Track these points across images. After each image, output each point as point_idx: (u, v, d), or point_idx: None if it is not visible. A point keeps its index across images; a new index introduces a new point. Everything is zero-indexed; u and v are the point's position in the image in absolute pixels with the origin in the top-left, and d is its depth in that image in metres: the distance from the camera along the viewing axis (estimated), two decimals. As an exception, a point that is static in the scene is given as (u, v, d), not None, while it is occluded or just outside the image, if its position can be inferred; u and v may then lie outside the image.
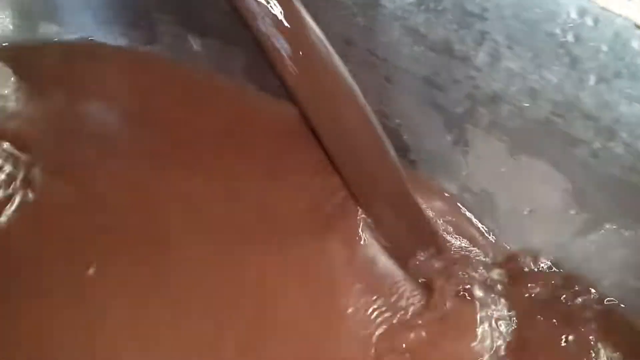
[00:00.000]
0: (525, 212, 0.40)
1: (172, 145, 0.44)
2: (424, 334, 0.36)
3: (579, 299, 0.38)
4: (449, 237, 0.41)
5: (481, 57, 0.37)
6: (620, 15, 0.31)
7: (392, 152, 0.39)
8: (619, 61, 0.32)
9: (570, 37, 0.33)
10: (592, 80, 0.34)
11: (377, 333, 0.36)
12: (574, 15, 0.33)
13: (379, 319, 0.37)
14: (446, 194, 0.43)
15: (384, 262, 0.40)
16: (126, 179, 0.43)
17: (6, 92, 0.46)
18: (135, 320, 0.37)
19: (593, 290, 0.38)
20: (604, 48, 0.33)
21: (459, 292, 0.37)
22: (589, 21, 0.32)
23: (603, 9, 0.31)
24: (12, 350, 0.35)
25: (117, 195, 0.41)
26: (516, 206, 0.40)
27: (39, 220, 0.40)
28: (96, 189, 0.42)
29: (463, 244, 0.41)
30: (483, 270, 0.39)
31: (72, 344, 0.36)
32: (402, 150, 0.44)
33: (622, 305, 0.38)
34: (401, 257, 0.40)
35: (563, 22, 0.33)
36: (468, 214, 0.43)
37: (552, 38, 0.34)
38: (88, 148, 0.44)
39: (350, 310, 0.37)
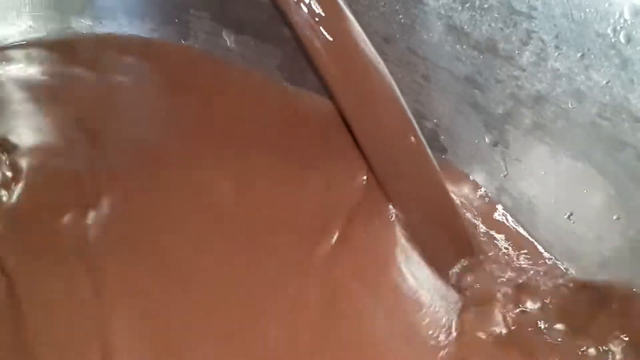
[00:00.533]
0: (565, 216, 0.40)
1: (203, 137, 0.44)
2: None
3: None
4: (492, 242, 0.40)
5: (526, 57, 0.37)
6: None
7: (430, 153, 0.39)
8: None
9: (622, 38, 0.33)
10: (645, 82, 0.33)
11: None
12: (627, 15, 0.32)
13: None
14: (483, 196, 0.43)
15: (420, 266, 0.39)
16: (157, 173, 0.42)
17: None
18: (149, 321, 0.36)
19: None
20: (657, 49, 0.32)
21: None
22: (643, 20, 0.32)
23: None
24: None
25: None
26: (557, 210, 0.40)
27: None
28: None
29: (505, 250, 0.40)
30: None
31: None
32: (440, 151, 0.43)
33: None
34: (439, 264, 0.39)
35: (615, 22, 0.32)
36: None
37: (603, 38, 0.33)
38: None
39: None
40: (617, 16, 0.32)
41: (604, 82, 0.34)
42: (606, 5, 0.32)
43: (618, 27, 0.33)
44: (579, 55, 0.34)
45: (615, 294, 0.36)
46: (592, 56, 0.34)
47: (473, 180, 0.43)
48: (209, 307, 0.36)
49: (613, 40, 0.33)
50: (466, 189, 0.43)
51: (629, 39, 0.33)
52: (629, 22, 0.32)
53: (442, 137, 0.43)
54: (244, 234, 0.39)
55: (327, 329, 0.36)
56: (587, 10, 0.33)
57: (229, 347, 0.35)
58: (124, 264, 0.37)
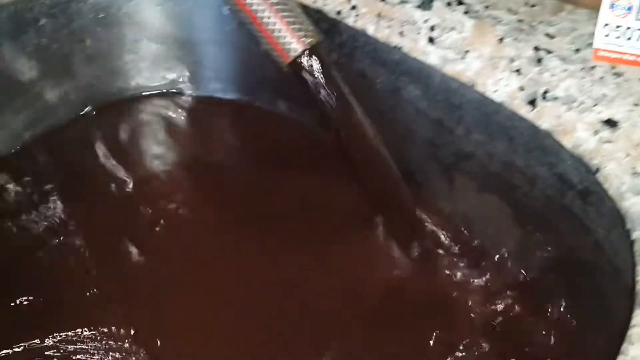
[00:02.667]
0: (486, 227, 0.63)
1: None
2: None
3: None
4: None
5: (460, 130, 0.60)
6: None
7: (403, 182, 0.63)
8: (533, 140, 0.55)
9: (508, 124, 0.56)
10: (520, 150, 0.56)
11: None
12: (508, 113, 0.55)
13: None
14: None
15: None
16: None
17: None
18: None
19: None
20: (525, 133, 0.55)
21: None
22: (516, 117, 0.55)
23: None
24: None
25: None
26: (482, 222, 0.63)
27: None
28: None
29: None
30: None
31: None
32: (415, 185, 0.67)
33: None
34: (403, 245, 0.64)
35: (503, 116, 0.56)
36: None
37: (499, 124, 0.57)
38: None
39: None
40: (504, 113, 0.56)
41: (502, 149, 0.58)
42: (498, 106, 0.56)
43: (505, 119, 0.56)
44: (487, 132, 0.58)
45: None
46: (494, 134, 0.57)
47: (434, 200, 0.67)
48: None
49: (504, 125, 0.56)
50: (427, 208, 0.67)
51: (511, 126, 0.56)
52: (509, 117, 0.56)
53: (417, 176, 0.67)
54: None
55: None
56: (489, 107, 0.57)
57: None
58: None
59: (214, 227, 0.66)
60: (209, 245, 0.64)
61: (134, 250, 0.63)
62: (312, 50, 0.59)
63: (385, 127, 0.65)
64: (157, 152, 0.72)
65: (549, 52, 0.53)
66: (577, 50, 0.53)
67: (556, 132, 0.51)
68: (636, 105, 0.49)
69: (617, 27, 0.52)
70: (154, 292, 0.60)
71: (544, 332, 0.57)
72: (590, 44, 0.53)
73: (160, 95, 0.75)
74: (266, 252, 0.64)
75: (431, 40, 0.57)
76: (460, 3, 0.57)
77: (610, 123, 0.48)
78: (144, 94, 0.75)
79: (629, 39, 0.52)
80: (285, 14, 0.58)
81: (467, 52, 0.55)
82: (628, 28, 0.51)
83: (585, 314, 0.54)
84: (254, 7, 0.58)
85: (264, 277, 0.62)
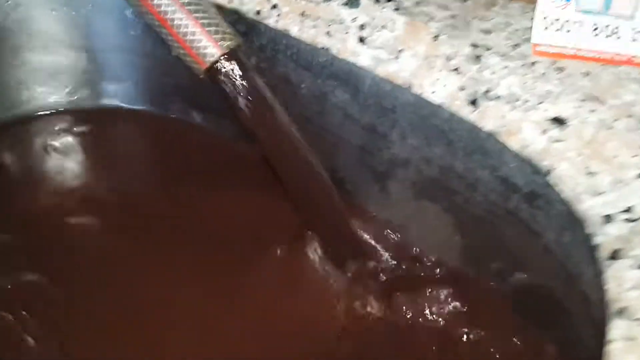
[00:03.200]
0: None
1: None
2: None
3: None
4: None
5: (394, 136, 0.56)
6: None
7: (336, 193, 0.59)
8: (474, 143, 0.52)
9: (446, 127, 0.53)
10: (460, 154, 0.53)
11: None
12: (446, 115, 0.52)
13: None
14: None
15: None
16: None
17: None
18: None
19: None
20: (465, 135, 0.52)
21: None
22: (455, 119, 0.52)
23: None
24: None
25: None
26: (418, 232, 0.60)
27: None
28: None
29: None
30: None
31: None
32: (346, 193, 0.62)
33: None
34: (338, 262, 0.59)
35: (441, 118, 0.52)
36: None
37: (436, 127, 0.53)
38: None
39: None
40: (441, 115, 0.52)
41: (440, 153, 0.54)
42: (435, 108, 0.52)
43: (444, 120, 0.53)
44: (424, 136, 0.54)
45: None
46: (431, 138, 0.54)
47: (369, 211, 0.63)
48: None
49: (441, 128, 0.53)
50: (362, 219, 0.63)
51: (450, 128, 0.52)
52: (448, 119, 0.52)
53: (347, 185, 0.63)
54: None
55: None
56: (425, 109, 0.53)
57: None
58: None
59: (124, 258, 0.59)
60: (120, 278, 0.57)
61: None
62: (231, 55, 0.53)
63: (313, 135, 0.60)
64: (55, 179, 0.64)
65: (487, 48, 0.50)
66: (516, 46, 0.50)
67: (501, 133, 0.47)
68: (583, 101, 0.46)
69: (556, 19, 0.49)
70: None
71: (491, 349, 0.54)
72: (527, 39, 0.51)
73: (57, 113, 0.67)
74: (184, 283, 0.57)
75: (361, 40, 0.52)
76: (389, 0, 0.54)
77: (559, 121, 0.46)
78: (37, 113, 0.67)
79: (568, 31, 0.49)
80: (199, 15, 0.52)
81: (400, 51, 0.51)
82: (567, 21, 0.49)
83: (539, 329, 0.51)
84: (162, 9, 0.52)
85: (181, 314, 0.55)
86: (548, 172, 0.45)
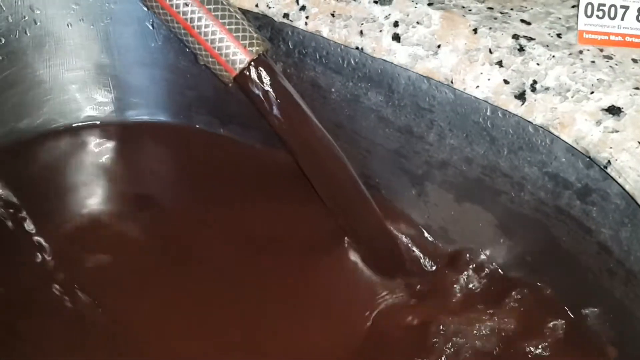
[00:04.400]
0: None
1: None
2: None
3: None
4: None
5: (432, 136, 0.54)
6: (516, 115, 0.48)
7: (372, 202, 0.56)
8: (521, 139, 0.49)
9: (488, 124, 0.50)
10: (505, 151, 0.51)
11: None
12: (489, 112, 0.50)
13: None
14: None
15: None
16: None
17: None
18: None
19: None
20: (511, 131, 0.50)
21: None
22: (499, 114, 0.49)
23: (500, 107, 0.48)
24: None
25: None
26: (464, 236, 0.57)
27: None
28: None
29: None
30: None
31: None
32: (381, 201, 0.60)
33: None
34: (378, 268, 0.57)
35: (483, 114, 0.50)
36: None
37: (478, 124, 0.51)
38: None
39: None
40: (483, 111, 0.50)
41: (482, 152, 0.52)
42: (476, 104, 0.50)
43: (485, 117, 0.50)
44: (464, 135, 0.52)
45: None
46: (473, 136, 0.52)
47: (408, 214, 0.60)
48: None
49: (483, 125, 0.51)
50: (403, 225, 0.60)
51: (493, 125, 0.50)
52: (490, 115, 0.50)
53: (383, 191, 0.60)
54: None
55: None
56: (465, 106, 0.51)
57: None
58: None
59: (157, 271, 0.57)
60: (156, 291, 0.55)
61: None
62: (260, 60, 0.51)
63: (345, 141, 0.58)
64: (81, 195, 0.62)
65: (530, 39, 0.48)
66: (560, 35, 0.48)
67: (552, 126, 0.45)
68: (637, 88, 0.44)
69: (600, 5, 0.47)
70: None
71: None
72: (571, 27, 0.49)
73: (81, 128, 0.65)
74: (224, 295, 0.55)
75: (396, 37, 0.50)
76: (421, -6, 0.51)
77: (613, 110, 0.43)
78: (57, 127, 0.65)
79: (613, 18, 0.47)
80: (226, 21, 0.50)
81: (439, 46, 0.49)
82: (612, 6, 0.47)
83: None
84: (189, 15, 0.50)
85: (225, 329, 0.53)
86: (608, 164, 0.42)
